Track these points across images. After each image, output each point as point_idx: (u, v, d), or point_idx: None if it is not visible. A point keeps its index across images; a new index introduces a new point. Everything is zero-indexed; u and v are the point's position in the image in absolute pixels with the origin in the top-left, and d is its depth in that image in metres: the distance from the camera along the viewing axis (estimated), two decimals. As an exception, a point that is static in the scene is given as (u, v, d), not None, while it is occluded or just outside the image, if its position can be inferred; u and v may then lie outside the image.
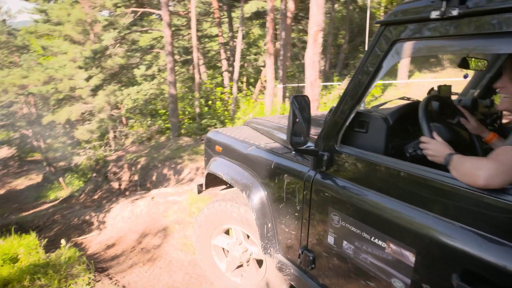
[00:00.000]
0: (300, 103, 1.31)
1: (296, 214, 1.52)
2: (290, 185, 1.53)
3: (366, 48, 1.21)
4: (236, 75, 7.35)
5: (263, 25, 11.09)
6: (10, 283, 2.35)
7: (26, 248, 2.95)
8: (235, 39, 9.93)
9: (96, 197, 7.64)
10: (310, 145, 1.42)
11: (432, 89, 1.63)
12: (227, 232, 2.13)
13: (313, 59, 4.86)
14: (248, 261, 2.01)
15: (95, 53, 7.99)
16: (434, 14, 0.90)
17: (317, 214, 1.40)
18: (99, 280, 2.33)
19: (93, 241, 4.07)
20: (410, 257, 1.03)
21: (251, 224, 1.82)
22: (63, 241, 3.19)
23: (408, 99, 1.55)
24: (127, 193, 7.14)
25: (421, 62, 12.67)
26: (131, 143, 9.14)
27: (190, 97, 9.00)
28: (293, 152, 1.52)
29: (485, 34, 0.85)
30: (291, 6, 6.43)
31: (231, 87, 8.58)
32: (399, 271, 1.08)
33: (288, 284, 1.85)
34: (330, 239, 1.34)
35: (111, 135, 10.67)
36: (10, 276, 2.42)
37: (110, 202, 5.72)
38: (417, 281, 1.02)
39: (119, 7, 8.41)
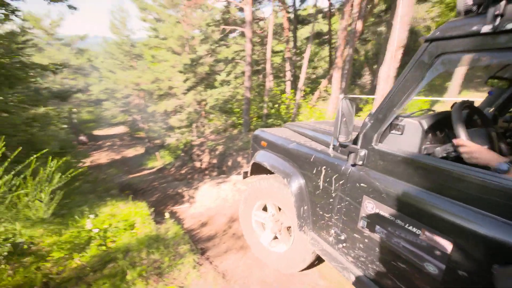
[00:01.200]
0: (348, 106, 1.25)
1: (331, 200, 1.46)
2: (327, 176, 1.47)
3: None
4: (301, 84, 6.77)
5: (320, 44, 10.19)
6: (130, 251, 2.12)
7: (141, 218, 2.77)
8: (297, 55, 9.27)
9: (183, 172, 7.65)
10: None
11: (455, 103, 1.34)
12: (265, 209, 2.09)
13: (388, 73, 4.11)
14: (280, 231, 1.97)
15: (192, 61, 7.91)
16: (486, 29, 0.79)
17: (352, 201, 1.32)
18: (202, 264, 1.99)
19: (186, 212, 3.85)
20: (446, 245, 0.91)
21: (282, 197, 1.81)
22: (167, 214, 2.95)
23: (433, 111, 1.43)
24: (206, 172, 7.02)
25: (469, 81, 10.71)
26: (210, 132, 9.06)
27: (258, 100, 8.61)
28: (331, 148, 1.47)
29: None
30: (359, 26, 5.63)
31: (293, 94, 7.98)
32: (434, 256, 0.95)
33: (314, 255, 1.76)
34: (363, 223, 1.26)
35: (195, 124, 10.76)
36: (131, 244, 2.20)
37: (197, 180, 5.59)
38: (452, 267, 0.89)
39: (210, 26, 8.20)
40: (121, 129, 20.49)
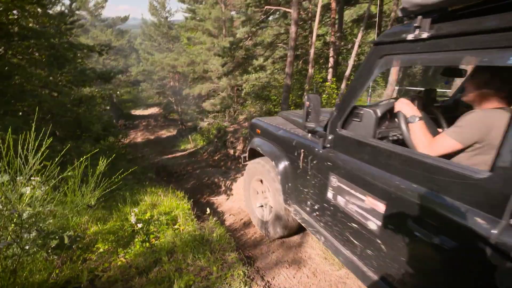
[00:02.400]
0: (313, 99, 1.53)
1: (308, 177, 1.68)
2: (305, 157, 1.69)
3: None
4: (348, 72, 6.12)
5: (366, 28, 9.20)
6: (175, 252, 1.97)
7: (182, 212, 2.62)
8: (341, 39, 8.46)
9: (216, 158, 7.57)
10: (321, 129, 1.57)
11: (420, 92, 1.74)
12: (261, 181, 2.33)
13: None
14: (266, 205, 2.31)
15: (232, 44, 7.57)
16: (410, 37, 1.02)
17: (322, 177, 1.55)
18: (253, 279, 1.76)
19: (223, 205, 3.68)
20: (382, 207, 1.15)
21: (271, 178, 2.06)
22: (208, 210, 2.78)
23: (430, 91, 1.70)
24: (240, 160, 6.85)
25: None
26: (244, 119, 8.81)
27: (297, 88, 8.10)
28: (309, 133, 1.69)
29: (446, 51, 0.95)
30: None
31: (335, 82, 7.35)
32: (374, 215, 1.19)
33: (284, 228, 2.09)
34: (330, 195, 1.50)
35: (228, 110, 10.58)
36: (175, 244, 2.04)
37: (233, 171, 5.44)
38: (386, 223, 1.13)
39: (251, 6, 7.71)
40: (156, 110, 21.21)
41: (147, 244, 2.09)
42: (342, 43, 9.37)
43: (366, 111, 1.36)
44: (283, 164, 1.93)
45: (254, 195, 2.48)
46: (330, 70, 7.69)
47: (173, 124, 18.66)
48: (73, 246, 1.91)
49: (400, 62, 1.13)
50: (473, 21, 0.87)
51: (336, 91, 6.82)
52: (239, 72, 8.95)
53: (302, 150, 1.72)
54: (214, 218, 2.52)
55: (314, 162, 1.61)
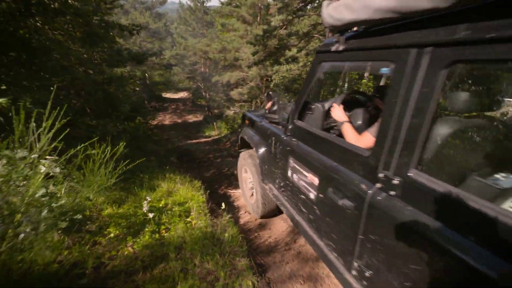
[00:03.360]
0: (274, 96, 2.06)
1: (276, 160, 2.02)
2: (275, 143, 2.03)
3: None
4: None
5: None
6: (183, 249, 1.86)
7: (197, 204, 2.52)
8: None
9: (237, 148, 7.42)
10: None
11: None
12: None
13: None
14: (251, 188, 2.69)
15: (265, 32, 7.26)
16: (334, 48, 1.32)
17: (284, 160, 1.86)
18: (263, 293, 1.59)
19: (240, 199, 3.54)
20: (316, 181, 1.47)
21: (252, 164, 2.51)
22: (223, 205, 2.64)
23: (359, 92, 2.20)
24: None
25: None
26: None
27: (329, 83, 7.63)
28: (269, 124, 2.21)
29: (356, 61, 1.26)
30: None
31: (370, 79, 6.77)
32: (312, 188, 1.52)
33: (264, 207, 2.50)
34: (289, 173, 1.80)
35: (255, 100, 10.37)
36: (185, 240, 1.94)
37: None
38: (319, 193, 1.46)
39: (289, -8, 7.26)
40: (185, 95, 21.64)
41: (157, 235, 2.00)
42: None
43: (316, 106, 1.76)
44: (262, 150, 2.28)
45: (245, 183, 2.87)
46: (368, 66, 7.09)
47: (200, 110, 18.91)
48: (83, 229, 1.88)
49: (332, 67, 1.47)
50: (365, 40, 1.17)
51: (372, 90, 6.29)
52: (269, 62, 8.62)
53: (273, 138, 2.06)
54: (229, 215, 2.38)
55: (280, 147, 1.94)
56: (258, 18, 10.28)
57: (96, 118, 4.05)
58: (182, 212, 2.35)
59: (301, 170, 1.63)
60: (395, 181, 1.00)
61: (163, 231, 2.09)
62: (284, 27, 7.57)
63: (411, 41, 0.95)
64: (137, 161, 4.45)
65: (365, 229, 1.12)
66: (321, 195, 1.44)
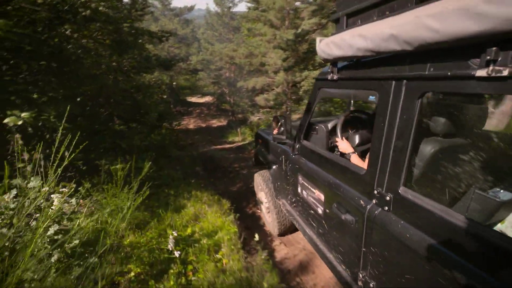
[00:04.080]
0: (282, 118, 2.13)
1: (287, 177, 2.17)
2: (285, 161, 2.18)
3: None
4: None
5: None
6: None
7: (228, 236, 2.17)
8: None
9: (253, 165, 7.06)
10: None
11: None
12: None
13: None
14: (268, 208, 2.76)
15: (297, 36, 6.89)
16: (329, 77, 1.50)
17: (294, 177, 2.00)
18: None
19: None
20: (322, 196, 1.61)
21: (265, 182, 2.70)
22: (256, 237, 2.27)
23: (358, 111, 2.19)
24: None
25: None
26: (298, 119, 8.12)
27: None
28: (279, 143, 2.27)
29: (347, 89, 1.55)
30: None
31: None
32: (320, 203, 1.65)
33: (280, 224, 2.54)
34: (299, 189, 1.93)
35: (281, 107, 9.97)
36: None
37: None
38: (325, 208, 1.59)
39: (321, -5, 6.83)
40: (209, 99, 21.82)
41: (183, 279, 1.68)
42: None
43: (320, 126, 1.95)
44: (274, 167, 2.44)
45: (262, 202, 2.92)
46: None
47: (224, 115, 18.86)
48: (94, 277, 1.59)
49: (329, 94, 1.91)
50: (354, 71, 1.35)
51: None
52: (298, 67, 8.21)
53: (283, 156, 2.20)
54: (264, 253, 2.00)
55: (290, 165, 2.08)
56: (286, 22, 9.93)
57: (123, 125, 3.91)
58: (212, 246, 2.02)
59: (309, 186, 1.79)
60: (388, 197, 1.11)
61: (190, 272, 1.77)
62: (318, 30, 7.13)
63: (390, 74, 1.09)
64: (162, 173, 4.26)
65: (366, 241, 1.22)
66: (327, 210, 1.59)
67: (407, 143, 1.01)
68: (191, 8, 19.81)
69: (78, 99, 2.87)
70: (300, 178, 1.90)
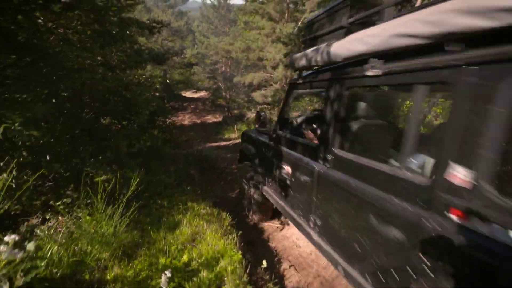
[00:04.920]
0: (263, 113, 3.05)
1: (264, 160, 2.77)
2: (264, 149, 2.76)
3: None
4: None
5: None
6: None
7: (231, 267, 1.84)
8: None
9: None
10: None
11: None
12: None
13: None
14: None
15: (300, 30, 6.49)
16: (295, 81, 2.20)
17: (270, 159, 2.58)
18: None
19: (276, 237, 2.84)
20: (290, 169, 2.18)
21: (248, 170, 3.21)
22: (264, 263, 1.95)
23: (317, 110, 3.21)
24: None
25: None
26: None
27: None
28: (259, 133, 3.00)
29: (310, 89, 2.11)
30: None
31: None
32: (288, 176, 2.21)
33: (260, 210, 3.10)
34: (274, 169, 2.48)
35: (279, 104, 9.61)
36: None
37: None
38: (291, 178, 2.15)
39: (325, -15, 6.42)
40: (204, 94, 21.23)
41: (178, 330, 1.35)
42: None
43: (291, 120, 2.68)
44: (255, 155, 3.02)
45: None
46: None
47: (219, 110, 18.38)
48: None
49: (299, 94, 2.35)
50: (311, 76, 2.03)
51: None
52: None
53: (264, 145, 2.79)
54: (275, 286, 1.68)
55: (267, 150, 2.68)
56: (286, 15, 9.48)
57: (109, 131, 3.51)
58: (213, 281, 1.69)
59: (281, 164, 2.34)
60: (329, 158, 1.71)
61: (187, 320, 1.44)
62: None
63: (332, 77, 1.75)
64: (154, 179, 3.88)
65: (316, 192, 1.80)
66: (293, 179, 2.14)
67: (341, 123, 1.68)
68: (185, 0, 19.06)
69: (54, 100, 2.47)
70: (274, 159, 2.52)
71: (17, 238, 1.01)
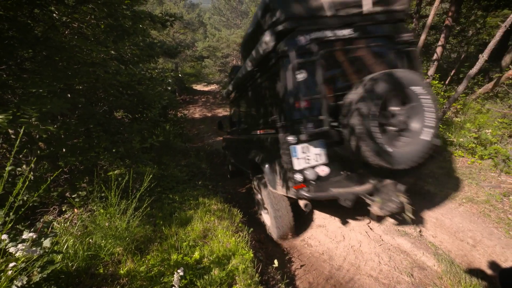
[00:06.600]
0: (221, 121, 5.10)
1: (231, 148, 4.66)
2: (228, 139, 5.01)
3: None
4: (474, 70, 4.22)
5: (485, 8, 6.66)
6: None
7: (243, 266, 1.82)
8: (457, 23, 6.26)
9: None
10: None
11: None
12: None
13: None
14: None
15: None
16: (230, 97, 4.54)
17: (233, 142, 4.40)
18: None
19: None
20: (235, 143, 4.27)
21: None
22: (276, 263, 1.92)
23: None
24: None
25: None
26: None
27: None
28: (221, 130, 5.18)
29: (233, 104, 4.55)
30: None
31: (435, 78, 5.53)
32: (234, 145, 4.38)
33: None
34: (232, 148, 4.51)
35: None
36: None
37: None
38: (234, 146, 4.30)
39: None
40: (215, 87, 21.20)
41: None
42: (458, 28, 7.08)
43: (228, 118, 5.09)
44: (227, 146, 5.22)
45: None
46: (436, 63, 5.83)
47: (230, 104, 18.23)
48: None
49: (233, 104, 4.66)
50: (232, 94, 4.30)
51: (442, 93, 5.09)
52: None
53: (225, 139, 5.35)
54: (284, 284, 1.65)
55: (231, 141, 4.56)
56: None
57: (122, 125, 3.53)
58: (224, 279, 1.68)
59: (231, 141, 4.44)
60: (228, 132, 4.81)
61: (199, 319, 1.43)
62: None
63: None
64: (166, 174, 3.91)
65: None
66: (235, 148, 4.17)
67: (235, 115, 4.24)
68: (197, -9, 18.87)
69: (69, 94, 2.49)
70: (230, 144, 4.49)
71: (34, 236, 1.01)
